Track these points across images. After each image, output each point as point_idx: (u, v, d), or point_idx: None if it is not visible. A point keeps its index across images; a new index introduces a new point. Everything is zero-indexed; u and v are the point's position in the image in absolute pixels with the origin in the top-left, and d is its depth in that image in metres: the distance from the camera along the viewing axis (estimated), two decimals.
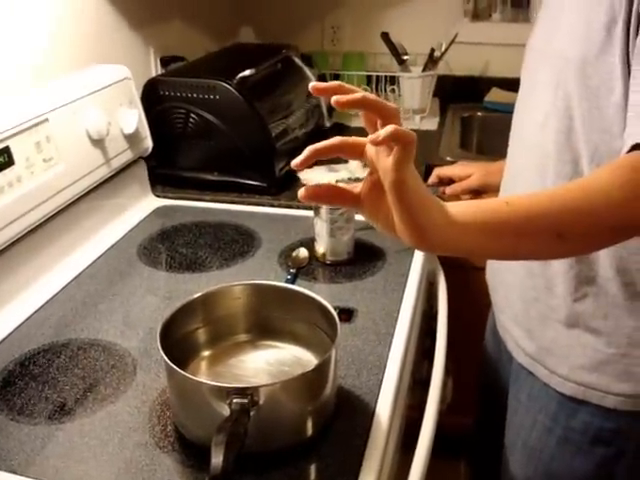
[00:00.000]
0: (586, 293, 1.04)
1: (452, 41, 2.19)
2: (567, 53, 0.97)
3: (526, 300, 1.14)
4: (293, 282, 1.29)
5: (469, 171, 1.46)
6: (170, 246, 1.47)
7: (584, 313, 1.05)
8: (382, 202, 0.70)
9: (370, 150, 0.71)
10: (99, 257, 1.42)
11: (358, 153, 0.73)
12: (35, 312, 1.23)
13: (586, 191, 0.76)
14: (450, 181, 1.50)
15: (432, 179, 1.53)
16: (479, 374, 1.47)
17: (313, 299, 0.97)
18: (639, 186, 0.75)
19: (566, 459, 1.14)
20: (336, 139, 0.72)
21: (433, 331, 1.38)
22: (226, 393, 0.81)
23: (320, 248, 1.37)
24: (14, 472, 0.88)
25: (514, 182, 1.15)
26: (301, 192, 0.72)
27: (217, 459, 0.71)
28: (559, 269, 1.05)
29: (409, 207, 0.67)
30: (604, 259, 1.00)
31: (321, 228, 1.35)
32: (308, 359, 1.00)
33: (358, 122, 2.22)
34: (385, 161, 0.66)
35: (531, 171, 1.08)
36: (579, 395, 1.09)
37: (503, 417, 1.29)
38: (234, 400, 0.80)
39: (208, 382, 0.85)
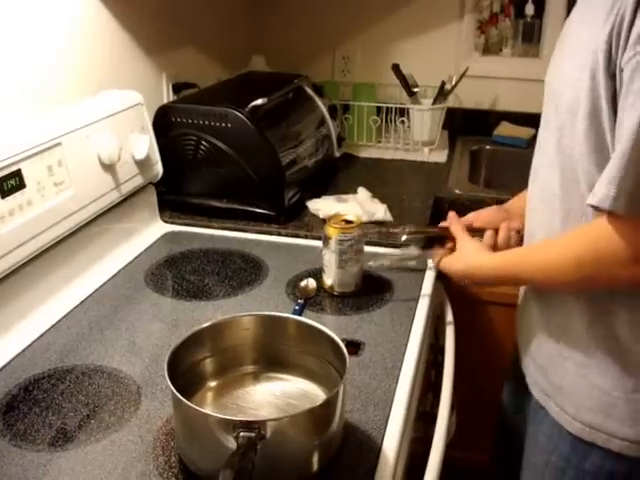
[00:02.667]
0: (602, 334, 1.03)
1: (463, 74, 2.20)
2: (562, 94, 0.99)
3: (540, 337, 1.14)
4: (301, 313, 1.29)
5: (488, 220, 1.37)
6: (177, 273, 1.47)
7: (597, 353, 1.04)
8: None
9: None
10: (106, 282, 1.42)
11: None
12: (40, 336, 1.23)
13: (547, 256, 1.05)
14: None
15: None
16: (498, 415, 1.45)
17: (323, 332, 0.96)
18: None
19: None
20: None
21: (438, 363, 1.37)
22: (233, 426, 0.80)
23: (328, 279, 1.37)
24: None
25: (530, 219, 1.17)
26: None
27: None
28: (574, 308, 1.05)
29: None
30: (619, 304, 1.00)
31: (330, 259, 1.35)
32: (315, 392, 1.00)
33: (367, 153, 2.24)
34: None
35: (542, 210, 1.09)
36: (585, 436, 1.07)
37: (520, 455, 1.28)
38: (241, 434, 0.79)
39: (215, 414, 0.84)
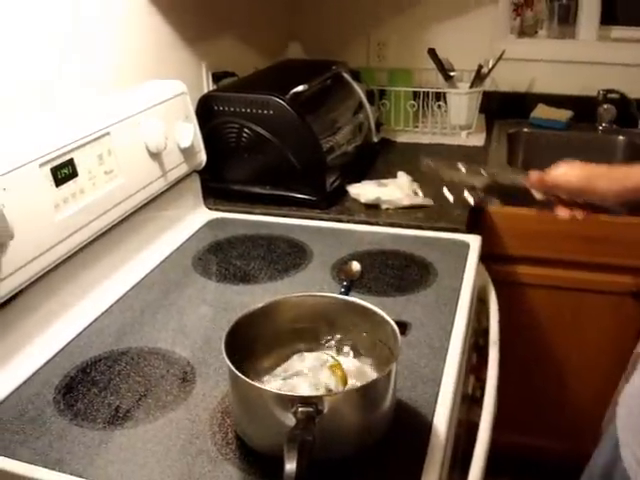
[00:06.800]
0: None
1: (499, 57, 2.20)
2: None
3: None
4: (347, 294, 1.30)
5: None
6: (223, 258, 1.50)
7: None
8: None
9: None
10: (155, 268, 1.45)
11: None
12: (95, 320, 1.26)
13: None
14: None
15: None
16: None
17: (374, 312, 0.97)
18: None
19: None
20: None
21: (479, 346, 1.38)
22: (291, 402, 0.82)
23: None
24: (79, 475, 0.90)
25: None
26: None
27: (291, 465, 0.73)
28: None
29: None
30: None
31: None
32: (366, 370, 1.01)
33: (404, 138, 2.25)
34: None
35: None
36: None
37: None
38: (300, 409, 0.81)
39: (274, 391, 0.86)
